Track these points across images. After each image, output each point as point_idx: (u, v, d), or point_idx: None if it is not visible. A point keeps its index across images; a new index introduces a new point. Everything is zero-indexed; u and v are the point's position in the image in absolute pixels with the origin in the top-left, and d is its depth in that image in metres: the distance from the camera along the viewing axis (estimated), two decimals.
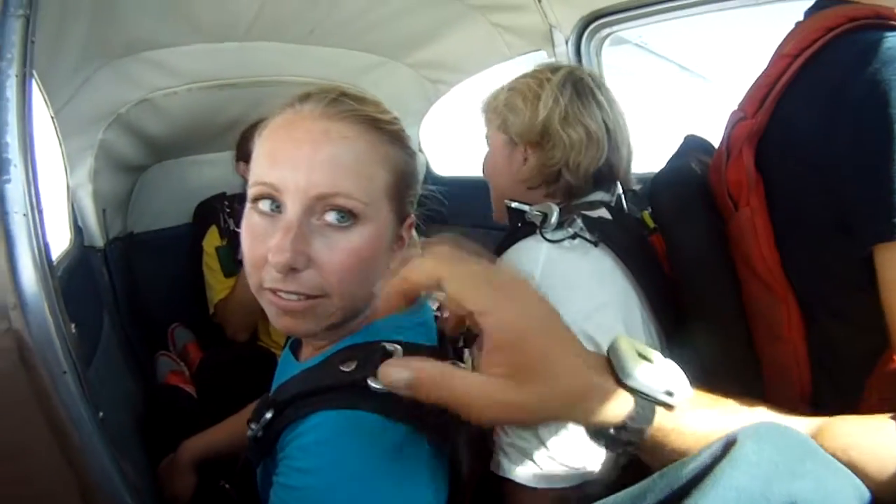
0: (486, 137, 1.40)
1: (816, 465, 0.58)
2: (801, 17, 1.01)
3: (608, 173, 1.27)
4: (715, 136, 1.20)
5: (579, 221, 1.16)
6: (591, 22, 1.96)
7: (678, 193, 1.12)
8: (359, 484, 0.72)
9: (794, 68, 0.92)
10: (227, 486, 0.95)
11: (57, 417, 0.86)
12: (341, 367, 0.79)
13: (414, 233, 0.98)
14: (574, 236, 1.15)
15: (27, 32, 0.88)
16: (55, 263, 0.94)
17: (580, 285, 1.10)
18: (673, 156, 1.25)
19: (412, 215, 0.93)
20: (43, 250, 0.88)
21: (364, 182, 0.80)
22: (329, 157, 0.79)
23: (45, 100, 1.56)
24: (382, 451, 0.74)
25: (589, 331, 1.03)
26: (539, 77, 1.28)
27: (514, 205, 1.27)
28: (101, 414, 0.93)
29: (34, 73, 0.92)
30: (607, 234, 1.15)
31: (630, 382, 0.61)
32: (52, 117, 1.63)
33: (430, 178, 2.78)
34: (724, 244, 1.04)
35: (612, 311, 1.09)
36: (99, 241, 1.97)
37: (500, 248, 1.26)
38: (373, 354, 0.79)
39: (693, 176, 1.12)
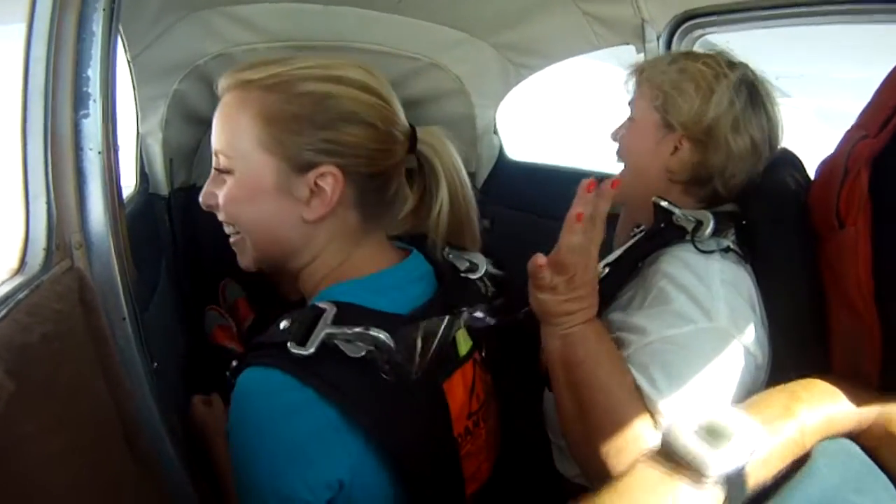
0: (632, 105, 1.28)
1: (877, 484, 0.66)
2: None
3: (748, 186, 1.18)
4: None
5: (733, 234, 1.09)
6: (684, 21, 1.87)
7: (775, 207, 1.09)
8: (257, 441, 0.80)
9: None
10: None
11: (111, 362, 0.85)
12: (279, 324, 0.83)
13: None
14: (727, 249, 1.07)
15: None
16: None
17: (754, 305, 1.05)
18: (768, 167, 1.18)
19: (323, 164, 0.86)
20: (115, 192, 0.87)
21: (229, 136, 0.88)
22: (215, 124, 0.90)
23: (123, 44, 1.56)
24: (282, 411, 0.79)
25: (755, 353, 1.01)
26: (715, 68, 1.17)
27: (663, 203, 1.16)
28: (155, 364, 0.92)
29: None
30: (755, 252, 1.09)
31: (712, 475, 0.61)
32: (128, 62, 1.64)
33: (504, 162, 2.71)
34: (815, 264, 1.01)
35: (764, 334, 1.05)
36: (164, 190, 1.97)
37: (642, 251, 1.16)
38: (304, 315, 0.83)
39: (789, 191, 1.09)
